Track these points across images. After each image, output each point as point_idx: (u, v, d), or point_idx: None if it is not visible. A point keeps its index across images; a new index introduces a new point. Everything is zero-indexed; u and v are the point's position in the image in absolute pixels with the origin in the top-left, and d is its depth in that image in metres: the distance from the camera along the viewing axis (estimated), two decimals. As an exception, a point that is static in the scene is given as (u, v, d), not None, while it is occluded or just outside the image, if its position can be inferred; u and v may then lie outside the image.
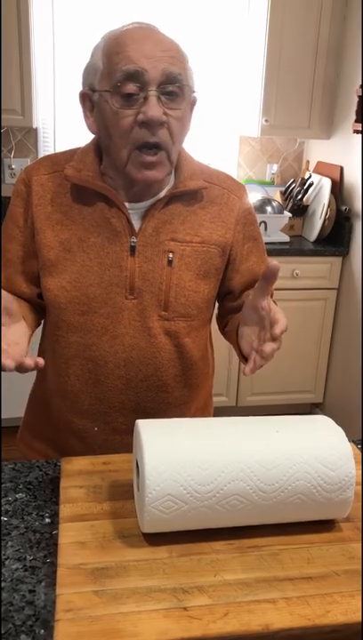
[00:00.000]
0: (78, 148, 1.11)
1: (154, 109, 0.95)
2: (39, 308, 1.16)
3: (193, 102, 1.06)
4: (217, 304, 1.22)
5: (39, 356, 1.19)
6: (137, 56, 0.95)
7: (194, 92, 1.04)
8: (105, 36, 1.02)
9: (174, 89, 0.97)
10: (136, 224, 1.07)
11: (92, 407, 1.11)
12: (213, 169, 1.16)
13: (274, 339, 0.91)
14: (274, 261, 0.91)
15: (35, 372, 1.23)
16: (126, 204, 1.06)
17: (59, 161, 1.10)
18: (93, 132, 1.06)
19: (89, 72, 1.03)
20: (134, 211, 1.07)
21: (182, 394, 1.15)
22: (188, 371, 1.14)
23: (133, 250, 1.06)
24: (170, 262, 1.07)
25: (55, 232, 1.07)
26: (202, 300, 1.10)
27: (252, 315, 0.97)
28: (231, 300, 1.19)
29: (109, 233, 1.06)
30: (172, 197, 1.07)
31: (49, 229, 1.07)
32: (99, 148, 1.09)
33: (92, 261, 1.06)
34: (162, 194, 1.08)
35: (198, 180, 1.09)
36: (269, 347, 0.91)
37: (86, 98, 1.04)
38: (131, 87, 0.96)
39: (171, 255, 1.07)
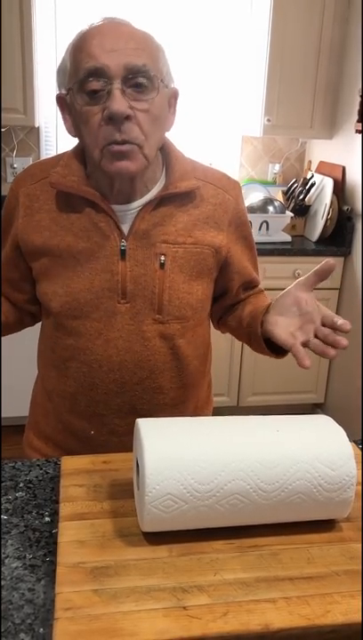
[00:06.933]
0: (67, 152, 1.09)
1: (117, 103, 0.92)
2: (29, 313, 1.19)
3: (174, 95, 1.03)
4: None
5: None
6: (98, 51, 0.93)
7: (172, 83, 1.02)
8: (75, 36, 1.01)
9: (141, 80, 0.95)
10: (126, 227, 1.05)
11: (89, 409, 1.11)
12: (207, 166, 1.14)
13: (345, 330, 0.98)
14: (330, 260, 0.96)
15: (35, 372, 1.24)
16: (115, 207, 1.05)
17: (47, 167, 1.09)
18: (72, 135, 1.04)
19: (60, 73, 1.02)
20: (124, 213, 1.05)
21: (178, 394, 1.14)
22: (183, 371, 1.12)
23: (123, 254, 1.04)
24: (162, 265, 1.05)
25: (44, 239, 1.06)
26: (196, 300, 1.09)
27: (291, 307, 1.00)
28: (228, 299, 1.19)
29: (99, 237, 1.04)
30: (162, 199, 1.05)
31: (37, 236, 1.06)
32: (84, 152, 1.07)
33: (82, 267, 1.05)
34: (152, 194, 1.06)
35: (190, 180, 1.06)
36: (344, 341, 0.98)
37: (63, 100, 1.03)
38: (94, 84, 0.94)
39: (163, 258, 1.05)
